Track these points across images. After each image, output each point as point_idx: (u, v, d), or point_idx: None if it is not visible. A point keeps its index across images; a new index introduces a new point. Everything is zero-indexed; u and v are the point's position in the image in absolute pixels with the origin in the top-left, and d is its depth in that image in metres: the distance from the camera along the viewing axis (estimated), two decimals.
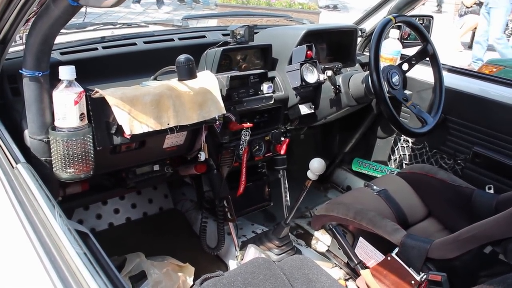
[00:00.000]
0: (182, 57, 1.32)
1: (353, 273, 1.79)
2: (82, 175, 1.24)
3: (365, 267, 1.60)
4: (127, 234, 2.09)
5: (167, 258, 1.77)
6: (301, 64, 1.75)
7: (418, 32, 1.78)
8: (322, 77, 1.78)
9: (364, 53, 2.29)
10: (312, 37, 1.91)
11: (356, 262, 1.61)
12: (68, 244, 0.81)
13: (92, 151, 1.24)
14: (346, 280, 1.83)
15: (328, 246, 1.97)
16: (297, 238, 2.16)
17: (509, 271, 1.40)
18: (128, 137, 1.30)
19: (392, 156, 2.31)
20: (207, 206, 1.84)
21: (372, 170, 2.32)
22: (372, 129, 2.33)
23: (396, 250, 1.49)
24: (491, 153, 1.92)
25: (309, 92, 1.85)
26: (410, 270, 1.45)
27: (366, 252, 1.66)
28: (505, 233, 1.26)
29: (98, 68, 1.52)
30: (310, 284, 1.40)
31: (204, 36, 1.85)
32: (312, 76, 1.79)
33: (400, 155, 2.27)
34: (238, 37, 1.73)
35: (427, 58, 1.82)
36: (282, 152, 1.87)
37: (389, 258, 1.50)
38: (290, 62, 1.82)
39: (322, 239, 2.13)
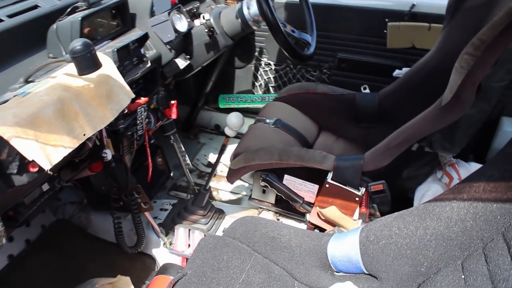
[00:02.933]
0: (77, 44, 0.98)
1: (286, 211, 1.78)
2: None
3: (309, 203, 1.59)
4: (21, 274, 1.65)
5: (94, 281, 1.48)
6: (169, 13, 1.50)
7: None
8: (198, 22, 1.57)
9: None
10: None
11: (301, 202, 1.58)
12: None
13: None
14: (278, 219, 1.81)
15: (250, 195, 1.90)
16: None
17: (435, 158, 1.56)
18: (48, 171, 0.95)
19: (256, 83, 2.27)
20: (116, 204, 1.54)
21: (242, 103, 2.26)
22: (229, 62, 2.22)
23: (330, 175, 1.50)
24: (354, 56, 2.03)
25: (181, 42, 1.63)
26: (351, 189, 1.49)
27: (295, 186, 1.64)
28: (432, 129, 1.37)
29: None
30: (275, 241, 1.33)
31: (36, 6, 1.41)
32: (181, 24, 1.57)
33: (264, 79, 2.24)
34: None
35: None
36: (174, 116, 1.65)
37: (327, 186, 1.51)
38: (152, 14, 1.55)
39: (222, 187, 2.05)
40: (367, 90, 1.97)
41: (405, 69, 1.92)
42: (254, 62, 2.22)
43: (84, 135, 1.03)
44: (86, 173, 1.42)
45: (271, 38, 2.12)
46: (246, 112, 2.31)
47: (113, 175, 1.46)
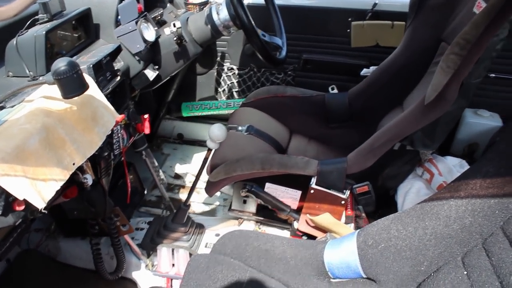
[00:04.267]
0: (61, 64, 0.88)
1: (268, 220, 1.74)
2: None
3: (297, 211, 1.56)
4: None
5: None
6: (136, 22, 1.40)
7: None
8: (168, 30, 1.48)
9: None
10: None
11: (289, 210, 1.54)
12: None
13: None
14: (259, 228, 1.76)
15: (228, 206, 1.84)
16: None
17: (416, 155, 1.58)
18: (41, 209, 0.84)
19: (219, 88, 2.20)
20: (93, 230, 1.43)
21: (206, 110, 2.18)
22: (191, 68, 2.14)
23: (314, 180, 1.48)
24: (319, 56, 2.02)
25: (148, 52, 1.53)
26: (336, 193, 1.47)
27: (277, 194, 1.61)
28: (416, 127, 1.38)
29: None
30: (268, 254, 1.30)
31: None
32: (149, 33, 1.47)
33: (228, 84, 2.18)
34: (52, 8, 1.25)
35: None
36: (147, 130, 1.55)
37: (312, 191, 1.49)
38: (117, 24, 1.44)
39: (194, 200, 1.97)
40: (335, 90, 1.97)
41: (372, 68, 1.94)
42: (217, 67, 2.16)
43: (74, 164, 0.93)
44: (60, 200, 1.29)
45: (233, 43, 2.09)
46: (211, 119, 2.25)
47: (90, 200, 1.34)
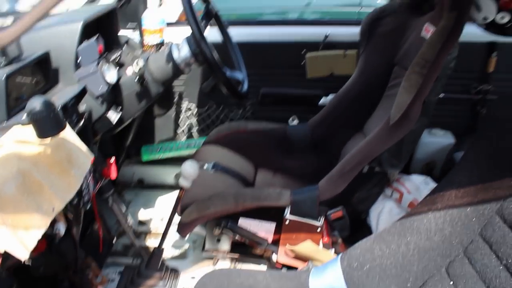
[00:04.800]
0: (36, 104, 0.84)
1: (244, 256, 1.70)
2: None
3: (274, 243, 1.53)
4: None
5: None
6: (97, 64, 1.37)
7: None
8: (130, 69, 1.46)
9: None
10: (90, 27, 1.50)
11: (266, 244, 1.51)
12: None
13: None
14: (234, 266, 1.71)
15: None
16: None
17: (384, 177, 1.62)
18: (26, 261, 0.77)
19: (178, 129, 2.17)
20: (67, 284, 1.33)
21: (167, 152, 2.14)
22: (148, 111, 2.10)
23: (288, 210, 1.47)
24: (277, 89, 2.06)
25: (110, 94, 1.49)
26: (311, 221, 1.47)
27: (252, 228, 1.58)
28: (383, 148, 1.42)
29: None
30: None
31: None
32: (111, 74, 1.44)
33: (187, 124, 2.16)
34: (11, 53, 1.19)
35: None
36: (114, 175, 1.49)
37: (287, 222, 1.49)
38: (77, 66, 1.40)
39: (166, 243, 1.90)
40: (296, 121, 2.00)
41: (330, 96, 1.99)
42: (175, 108, 2.13)
43: (53, 209, 0.87)
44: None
45: (190, 82, 2.09)
46: (172, 161, 2.20)
47: (61, 252, 1.26)
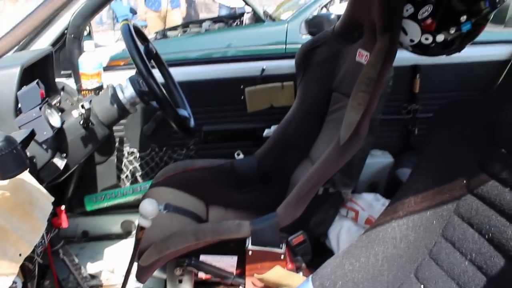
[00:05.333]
0: None
1: None
2: None
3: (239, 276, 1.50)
4: None
5: None
6: (40, 108, 1.32)
7: (138, 33, 1.64)
8: (76, 112, 1.41)
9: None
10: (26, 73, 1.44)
11: (233, 276, 1.48)
12: None
13: None
14: None
15: None
16: None
17: (338, 197, 1.66)
18: None
19: (122, 175, 2.10)
20: None
21: (112, 199, 2.05)
22: (89, 158, 2.01)
23: (249, 241, 1.47)
24: (220, 126, 2.08)
25: (54, 140, 1.43)
26: (273, 249, 1.48)
27: (214, 264, 1.54)
28: (336, 168, 1.47)
29: None
30: None
31: None
32: (54, 119, 1.39)
33: (130, 169, 2.09)
34: None
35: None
36: (65, 224, 1.41)
37: (250, 253, 1.48)
38: (18, 113, 1.34)
39: None
40: (241, 156, 2.02)
41: (273, 127, 2.03)
42: (116, 153, 2.07)
43: (20, 255, 0.80)
44: None
45: (130, 126, 2.05)
46: (118, 209, 2.12)
47: None
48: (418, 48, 1.52)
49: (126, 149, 2.08)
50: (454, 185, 1.16)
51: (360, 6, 1.58)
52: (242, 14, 4.39)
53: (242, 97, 2.07)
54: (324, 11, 3.46)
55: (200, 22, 4.56)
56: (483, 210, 1.05)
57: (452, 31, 1.37)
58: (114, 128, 2.03)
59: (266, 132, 2.06)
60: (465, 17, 1.34)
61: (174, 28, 4.57)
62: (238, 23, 4.20)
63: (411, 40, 1.48)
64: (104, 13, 9.79)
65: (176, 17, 5.60)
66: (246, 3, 3.85)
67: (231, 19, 4.59)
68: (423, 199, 1.23)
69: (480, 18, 1.35)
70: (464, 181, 1.12)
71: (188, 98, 1.83)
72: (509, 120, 1.03)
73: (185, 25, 4.43)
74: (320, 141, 1.84)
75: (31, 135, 1.25)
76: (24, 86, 1.35)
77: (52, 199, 1.00)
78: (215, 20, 4.72)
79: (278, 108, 2.07)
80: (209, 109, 2.07)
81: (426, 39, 1.44)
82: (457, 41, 1.42)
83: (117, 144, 2.07)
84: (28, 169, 0.83)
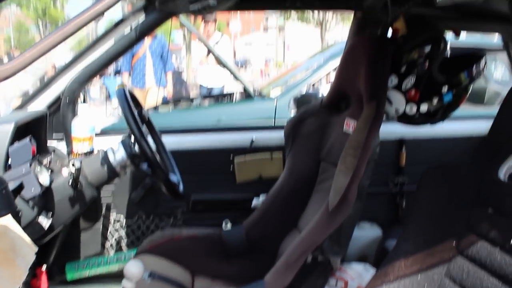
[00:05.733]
0: None
1: None
2: None
3: None
4: None
5: None
6: (30, 164, 1.33)
7: (132, 98, 1.69)
8: (66, 171, 1.41)
9: None
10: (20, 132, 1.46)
11: None
12: None
13: None
14: None
15: None
16: None
17: (327, 266, 1.64)
18: None
19: (106, 242, 2.05)
20: None
21: (94, 268, 1.98)
22: (73, 223, 1.98)
23: None
24: (208, 195, 2.08)
25: (41, 199, 1.41)
26: None
27: None
28: (325, 235, 1.47)
29: None
30: None
31: None
32: (43, 177, 1.39)
33: (115, 237, 2.05)
34: None
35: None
36: (45, 286, 1.35)
37: None
38: (7, 168, 1.34)
39: None
40: (229, 225, 2.00)
41: (262, 197, 2.03)
42: (102, 220, 2.04)
43: None
44: None
45: (118, 192, 2.04)
46: (101, 278, 2.04)
47: None
48: (404, 118, 1.58)
49: (113, 216, 2.05)
50: (444, 247, 1.16)
51: (347, 77, 1.66)
52: (232, 94, 4.56)
53: (232, 166, 2.10)
54: (311, 90, 3.62)
55: (191, 100, 4.69)
56: (474, 272, 1.05)
57: (435, 101, 1.44)
58: (102, 194, 2.02)
59: (255, 202, 2.06)
60: (446, 87, 1.41)
61: (165, 104, 4.69)
62: (229, 100, 4.34)
63: (397, 110, 1.55)
64: (97, 89, 10.08)
65: (161, 96, 5.66)
66: (237, 80, 4.00)
67: (221, 96, 4.74)
68: (414, 262, 1.22)
69: (460, 89, 1.43)
70: (454, 243, 1.13)
71: (178, 166, 1.85)
72: (493, 180, 1.06)
73: (176, 101, 4.54)
74: (309, 211, 1.83)
75: (19, 189, 1.24)
76: (16, 142, 1.37)
77: (36, 249, 0.97)
78: (205, 97, 4.87)
79: (267, 179, 2.09)
80: (198, 177, 2.08)
81: (411, 108, 1.51)
82: (440, 111, 1.48)
83: (103, 210, 2.04)
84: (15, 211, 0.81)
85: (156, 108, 4.15)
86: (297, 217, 1.87)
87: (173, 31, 6.95)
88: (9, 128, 1.38)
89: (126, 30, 1.81)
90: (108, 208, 2.05)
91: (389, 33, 1.61)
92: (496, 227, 1.00)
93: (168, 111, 4.06)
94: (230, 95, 4.55)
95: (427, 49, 1.45)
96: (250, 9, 2.24)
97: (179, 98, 5.24)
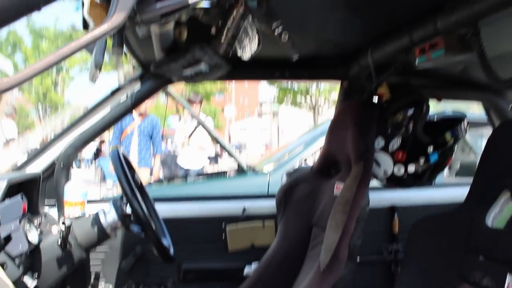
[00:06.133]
0: None
1: None
2: None
3: None
4: None
5: None
6: (20, 221, 1.33)
7: (126, 161, 1.72)
8: (55, 229, 1.41)
9: None
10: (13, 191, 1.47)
11: None
12: None
13: None
14: None
15: None
16: None
17: None
18: None
19: None
20: None
21: None
22: None
23: None
24: (200, 264, 2.04)
25: (28, 258, 1.39)
26: None
27: None
28: None
29: None
30: None
31: None
32: (32, 235, 1.38)
33: None
34: None
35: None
36: None
37: None
38: None
39: None
40: None
41: (254, 265, 2.00)
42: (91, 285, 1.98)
43: None
44: None
45: (108, 261, 2.01)
46: None
47: None
48: (393, 180, 1.61)
49: (101, 285, 2.00)
50: None
51: (336, 142, 1.71)
52: (225, 172, 4.61)
53: (224, 235, 2.08)
54: (304, 164, 3.66)
55: (185, 177, 4.73)
56: None
57: (422, 161, 1.48)
58: (91, 262, 1.98)
59: (247, 270, 2.02)
60: (431, 147, 1.46)
61: (159, 182, 4.72)
62: (222, 176, 4.38)
63: (385, 172, 1.58)
64: (92, 171, 10.11)
65: (144, 176, 5.19)
66: (231, 156, 4.06)
67: (215, 174, 4.79)
68: None
69: (445, 149, 1.48)
70: None
71: (169, 234, 1.84)
72: (482, 227, 1.07)
73: (170, 179, 4.58)
74: (302, 277, 1.80)
75: (6, 241, 1.23)
76: (7, 199, 1.37)
77: None
78: (199, 174, 4.90)
79: (259, 248, 2.06)
80: (189, 246, 2.06)
81: (399, 169, 1.54)
82: (427, 172, 1.52)
83: (92, 280, 1.99)
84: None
85: (149, 183, 4.17)
86: (290, 284, 1.83)
87: (169, 116, 7.05)
88: (1, 185, 1.40)
89: (122, 98, 1.88)
90: (97, 277, 2.00)
91: (375, 98, 1.69)
92: (488, 274, 0.99)
93: (162, 186, 4.08)
94: (224, 172, 4.61)
95: (410, 111, 1.52)
96: (242, 79, 2.34)
97: (173, 176, 5.26)
